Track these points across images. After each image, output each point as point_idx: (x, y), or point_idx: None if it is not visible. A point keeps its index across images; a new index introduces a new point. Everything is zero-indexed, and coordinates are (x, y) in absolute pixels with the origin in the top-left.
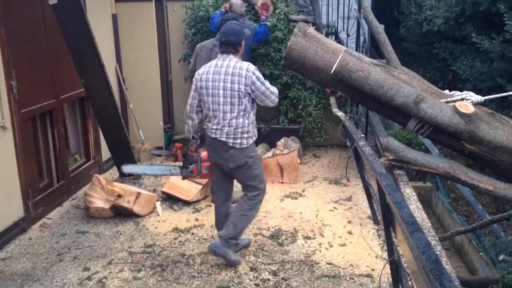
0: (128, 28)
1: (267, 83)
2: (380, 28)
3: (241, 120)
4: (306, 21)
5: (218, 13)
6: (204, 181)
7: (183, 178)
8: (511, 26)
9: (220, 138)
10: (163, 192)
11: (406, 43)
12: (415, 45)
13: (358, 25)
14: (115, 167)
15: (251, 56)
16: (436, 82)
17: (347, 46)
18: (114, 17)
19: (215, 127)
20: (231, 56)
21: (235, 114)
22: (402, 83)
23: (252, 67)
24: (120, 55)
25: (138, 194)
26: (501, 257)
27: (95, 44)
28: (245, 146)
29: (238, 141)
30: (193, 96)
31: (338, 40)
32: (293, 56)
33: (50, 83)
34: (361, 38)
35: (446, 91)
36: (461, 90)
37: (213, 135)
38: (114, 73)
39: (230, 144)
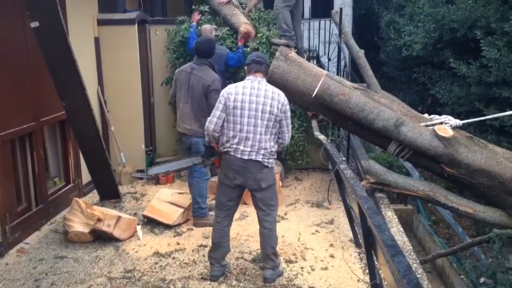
0: (111, 51)
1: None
2: (360, 53)
3: (272, 143)
4: (288, 46)
5: (194, 35)
6: (186, 204)
7: (205, 166)
8: (487, 51)
9: (256, 159)
10: (144, 216)
11: (386, 67)
12: (394, 69)
13: (339, 49)
14: (95, 191)
15: (224, 81)
16: (416, 106)
17: (328, 70)
18: (97, 40)
19: (248, 149)
20: (264, 79)
21: (268, 136)
22: (383, 106)
23: (286, 99)
24: (102, 78)
25: (119, 217)
26: (482, 279)
27: (76, 66)
28: (273, 165)
29: (271, 161)
30: (220, 116)
31: (319, 64)
32: (275, 79)
33: (30, 106)
34: (342, 63)
35: (426, 115)
36: (440, 114)
37: (245, 157)
38: (95, 96)
39: (265, 164)
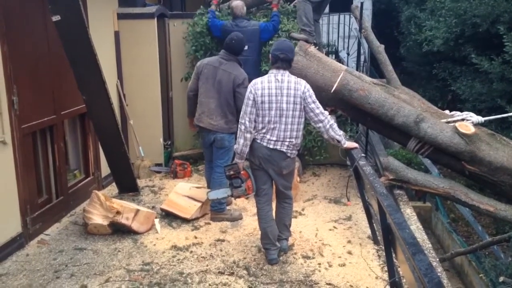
0: (130, 45)
1: (318, 103)
2: (380, 48)
3: (300, 133)
4: (307, 41)
5: (215, 20)
6: (203, 198)
7: (235, 198)
8: (510, 47)
9: (281, 149)
10: (162, 209)
11: (406, 63)
12: (415, 65)
13: (359, 44)
14: (114, 183)
15: (258, 59)
16: (436, 102)
17: (347, 65)
18: (117, 34)
19: (274, 138)
20: (287, 72)
21: (295, 126)
22: (403, 102)
23: (308, 85)
24: (122, 72)
25: (137, 211)
26: (501, 278)
27: (97, 60)
28: (295, 155)
29: (294, 152)
30: (251, 112)
31: (338, 59)
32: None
33: (51, 99)
34: (362, 58)
35: (446, 111)
36: (461, 111)
37: (271, 146)
38: (115, 89)
39: (289, 154)
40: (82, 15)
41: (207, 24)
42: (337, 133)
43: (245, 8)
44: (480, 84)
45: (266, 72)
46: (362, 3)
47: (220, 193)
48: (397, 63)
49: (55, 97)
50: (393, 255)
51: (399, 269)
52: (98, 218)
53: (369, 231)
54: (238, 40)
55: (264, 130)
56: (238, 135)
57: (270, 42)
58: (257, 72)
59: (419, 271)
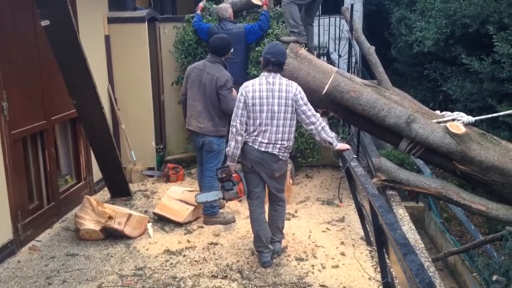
0: (121, 49)
1: (309, 105)
2: (371, 49)
3: (292, 136)
4: (297, 42)
5: (201, 24)
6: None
7: (227, 201)
8: (500, 47)
9: (273, 152)
10: (155, 213)
11: (397, 64)
12: (405, 66)
13: (350, 46)
14: (106, 188)
15: (246, 61)
16: (427, 103)
17: (338, 67)
18: (107, 38)
19: (266, 141)
20: (278, 74)
21: (287, 128)
22: (394, 103)
23: (299, 87)
24: (113, 76)
25: (129, 215)
26: (495, 277)
27: (87, 65)
28: (287, 158)
29: (286, 154)
30: (242, 114)
31: (329, 61)
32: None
33: (41, 104)
34: (353, 59)
35: (437, 112)
36: (452, 111)
37: (263, 149)
38: (106, 94)
39: (280, 157)
40: (71, 20)
41: (193, 28)
42: (329, 135)
43: (230, 10)
44: (471, 84)
45: (253, 76)
46: (352, 5)
47: (209, 196)
48: (388, 64)
49: (45, 102)
50: (386, 256)
51: (391, 269)
52: (90, 223)
53: (362, 232)
54: (219, 39)
55: (255, 133)
56: (229, 138)
57: (258, 48)
58: (243, 75)
59: (410, 271)
